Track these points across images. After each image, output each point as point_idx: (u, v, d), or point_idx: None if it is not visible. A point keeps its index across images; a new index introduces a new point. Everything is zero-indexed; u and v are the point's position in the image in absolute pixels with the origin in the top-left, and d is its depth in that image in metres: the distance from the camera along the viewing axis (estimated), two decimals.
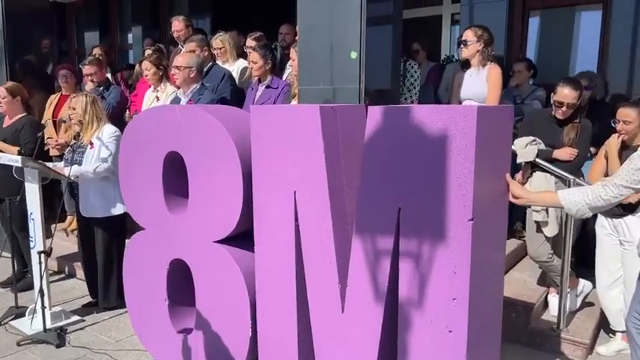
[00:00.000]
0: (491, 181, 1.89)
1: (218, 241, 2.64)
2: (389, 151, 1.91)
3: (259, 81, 3.73)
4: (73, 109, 3.49)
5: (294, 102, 3.33)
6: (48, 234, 3.72)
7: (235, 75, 4.39)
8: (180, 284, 2.89)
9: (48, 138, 4.79)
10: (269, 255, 2.41)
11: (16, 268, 4.07)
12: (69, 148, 3.68)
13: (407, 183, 1.86)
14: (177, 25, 4.79)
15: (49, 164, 3.61)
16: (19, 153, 3.82)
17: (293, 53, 3.25)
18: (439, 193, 1.78)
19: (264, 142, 2.38)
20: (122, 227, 3.76)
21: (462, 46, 3.57)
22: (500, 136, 1.93)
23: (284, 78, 3.86)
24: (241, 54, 4.80)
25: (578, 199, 1.91)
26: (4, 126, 4.06)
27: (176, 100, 3.72)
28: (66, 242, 5.04)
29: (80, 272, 4.40)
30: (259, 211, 2.44)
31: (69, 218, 5.21)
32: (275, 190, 2.36)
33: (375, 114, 1.96)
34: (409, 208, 1.87)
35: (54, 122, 5.00)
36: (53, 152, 4.89)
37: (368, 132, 1.97)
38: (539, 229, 3.25)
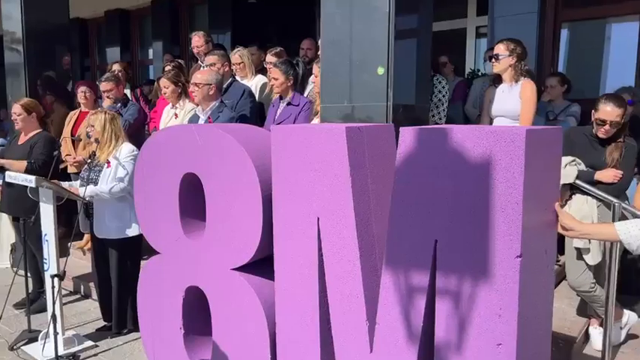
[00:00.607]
0: (539, 212, 1.69)
1: (236, 269, 2.48)
2: (424, 178, 1.73)
3: (280, 98, 3.59)
4: (92, 126, 3.40)
5: (316, 120, 3.18)
6: (65, 252, 3.62)
7: (254, 91, 4.28)
8: (197, 312, 2.73)
9: (66, 155, 4.75)
10: (290, 286, 2.24)
11: (31, 288, 3.97)
12: (85, 166, 3.58)
13: (444, 213, 1.68)
14: (198, 40, 4.71)
15: (65, 184, 3.52)
16: (29, 164, 3.75)
17: (316, 69, 3.11)
18: (482, 226, 1.59)
19: (286, 165, 2.23)
20: (137, 249, 3.63)
21: (493, 60, 3.38)
22: (549, 161, 1.74)
23: (305, 94, 3.71)
24: (261, 69, 4.70)
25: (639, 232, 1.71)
26: (19, 143, 3.99)
27: (194, 118, 3.61)
28: (83, 261, 4.95)
29: (96, 293, 4.30)
30: (280, 238, 2.28)
31: (86, 237, 5.11)
32: (297, 216, 2.20)
33: (408, 136, 1.79)
34: (447, 242, 1.69)
35: (72, 139, 4.95)
36: (71, 169, 4.83)
37: (400, 156, 1.80)
38: (580, 257, 3.01)
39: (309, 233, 2.16)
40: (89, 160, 3.48)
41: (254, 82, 4.39)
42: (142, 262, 3.78)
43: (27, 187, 3.32)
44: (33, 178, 3.10)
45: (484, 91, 4.32)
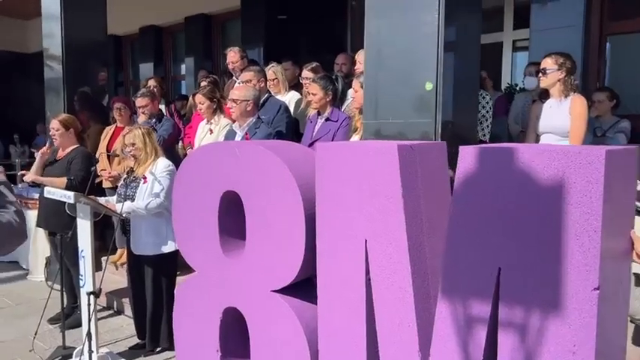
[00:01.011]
0: (616, 240, 1.55)
1: (277, 290, 2.39)
2: (486, 200, 1.61)
3: (318, 113, 3.52)
4: (132, 144, 3.39)
5: (355, 136, 3.09)
6: (99, 266, 3.60)
7: (289, 107, 4.23)
8: (235, 334, 2.65)
9: (101, 170, 4.77)
10: (334, 312, 2.14)
11: (65, 302, 3.96)
12: (122, 182, 3.56)
13: (510, 239, 1.56)
14: (233, 56, 4.70)
15: (101, 199, 3.50)
16: (69, 180, 3.77)
17: (356, 84, 3.03)
18: (554, 254, 1.46)
19: (331, 183, 2.14)
20: (173, 265, 3.59)
21: (540, 74, 3.25)
22: (626, 184, 1.60)
23: (342, 109, 3.64)
24: (295, 85, 4.66)
25: None
26: (57, 158, 4.02)
27: (231, 134, 3.56)
28: (116, 276, 4.94)
29: (129, 309, 4.27)
30: (323, 260, 2.18)
31: (119, 251, 5.11)
32: (342, 237, 2.10)
33: (468, 155, 1.68)
34: (512, 269, 1.56)
35: (108, 154, 4.98)
36: (106, 184, 4.85)
37: (460, 176, 1.69)
38: (638, 282, 2.82)
39: (355, 256, 2.06)
40: (125, 176, 3.46)
41: (288, 98, 4.35)
42: (178, 279, 3.74)
43: (64, 202, 3.33)
44: (71, 194, 3.09)
45: (529, 106, 4.19)
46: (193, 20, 8.00)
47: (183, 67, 8.75)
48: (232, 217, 2.64)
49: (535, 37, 4.68)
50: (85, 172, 3.78)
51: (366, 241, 2.02)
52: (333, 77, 3.48)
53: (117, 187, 5.01)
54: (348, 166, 2.08)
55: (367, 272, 2.04)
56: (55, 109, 5.24)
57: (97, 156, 5.01)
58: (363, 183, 2.01)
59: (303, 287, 2.40)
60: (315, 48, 7.08)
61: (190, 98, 5.79)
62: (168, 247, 3.46)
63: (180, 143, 5.13)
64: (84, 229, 3.30)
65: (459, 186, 1.69)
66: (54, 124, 3.97)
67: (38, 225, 4.15)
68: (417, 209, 1.94)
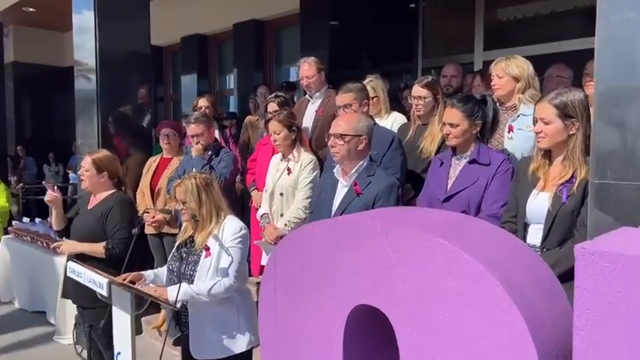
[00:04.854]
0: None
1: None
2: None
3: (453, 151, 2.42)
4: (183, 202, 2.35)
5: (543, 194, 1.97)
6: (138, 329, 2.57)
7: None
8: None
9: (144, 212, 3.78)
10: None
11: None
12: (174, 252, 2.53)
13: None
14: (308, 69, 3.63)
15: (148, 274, 2.46)
16: (107, 251, 2.76)
17: (548, 111, 1.90)
18: None
19: (610, 313, 1.05)
20: None
21: None
22: None
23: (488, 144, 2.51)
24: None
25: None
26: (88, 207, 2.96)
27: (330, 182, 2.47)
28: (159, 343, 3.93)
29: None
30: None
31: (162, 314, 4.12)
32: None
33: None
34: None
35: (152, 192, 4.01)
36: (149, 230, 3.87)
37: None
38: None
39: None
40: (183, 247, 2.43)
41: (389, 122, 3.27)
42: None
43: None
44: (104, 282, 2.07)
45: None
46: (243, 27, 7.03)
47: (230, 80, 7.81)
48: (365, 341, 1.59)
49: None
50: (127, 230, 2.74)
51: None
52: (479, 98, 2.37)
53: (161, 233, 4.06)
54: None
55: None
56: (87, 135, 4.32)
57: (137, 193, 4.06)
58: None
59: None
60: (382, 55, 6.08)
61: (245, 122, 4.81)
62: (240, 345, 2.40)
63: (239, 177, 4.12)
64: (122, 324, 2.28)
65: None
66: (85, 163, 2.93)
67: (64, 296, 3.11)
68: None
